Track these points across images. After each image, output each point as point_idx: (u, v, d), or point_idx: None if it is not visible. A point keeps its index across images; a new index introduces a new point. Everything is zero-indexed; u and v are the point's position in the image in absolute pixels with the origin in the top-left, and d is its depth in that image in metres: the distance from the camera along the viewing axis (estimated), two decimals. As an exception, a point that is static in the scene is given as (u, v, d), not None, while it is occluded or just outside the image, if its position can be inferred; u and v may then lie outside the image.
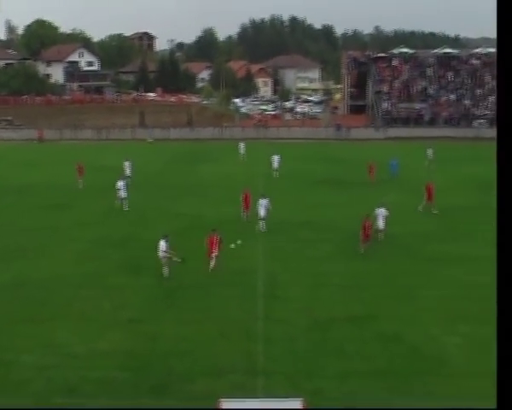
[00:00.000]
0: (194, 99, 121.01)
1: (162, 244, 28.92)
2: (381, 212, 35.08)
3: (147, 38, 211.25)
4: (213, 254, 29.04)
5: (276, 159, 57.41)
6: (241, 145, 69.82)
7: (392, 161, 56.70)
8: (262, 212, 37.06)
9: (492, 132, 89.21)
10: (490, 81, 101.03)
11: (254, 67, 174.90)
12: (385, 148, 78.29)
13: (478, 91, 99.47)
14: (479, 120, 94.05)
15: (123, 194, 43.43)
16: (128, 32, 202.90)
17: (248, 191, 40.18)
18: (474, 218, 40.90)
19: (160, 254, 28.93)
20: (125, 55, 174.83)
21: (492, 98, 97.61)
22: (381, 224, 34.59)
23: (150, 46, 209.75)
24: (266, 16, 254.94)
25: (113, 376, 19.75)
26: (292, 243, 35.01)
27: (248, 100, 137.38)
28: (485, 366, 20.37)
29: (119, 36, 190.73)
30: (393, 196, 45.19)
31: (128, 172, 51.93)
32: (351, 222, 38.23)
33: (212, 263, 28.93)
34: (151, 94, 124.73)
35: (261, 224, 37.17)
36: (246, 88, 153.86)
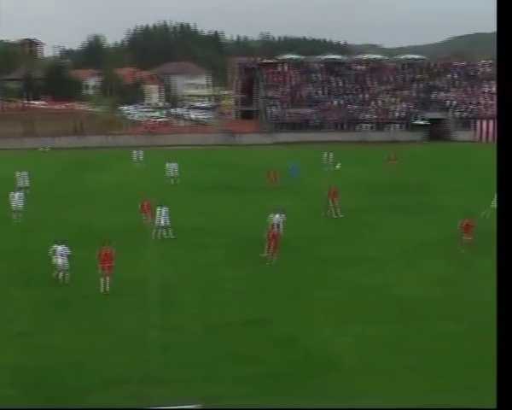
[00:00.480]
0: (83, 107, 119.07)
1: (60, 250, 28.43)
2: (278, 217, 35.42)
3: (33, 45, 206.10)
4: (106, 272, 27.81)
5: (171, 166, 57.24)
6: (136, 153, 69.26)
7: (291, 165, 57.42)
8: (161, 220, 36.95)
9: (378, 136, 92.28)
10: (375, 86, 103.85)
11: (143, 74, 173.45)
12: (275, 153, 79.30)
13: (363, 96, 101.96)
14: (364, 124, 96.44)
15: (18, 205, 42.25)
16: (13, 39, 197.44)
17: (148, 199, 39.95)
18: (365, 219, 41.96)
19: (59, 260, 28.43)
20: (10, 61, 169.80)
21: (378, 102, 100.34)
22: (269, 228, 34.81)
23: (37, 53, 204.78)
24: (155, 23, 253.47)
25: (3, 393, 19.16)
26: (186, 249, 34.95)
27: (138, 107, 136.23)
28: (377, 365, 21.04)
29: (4, 42, 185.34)
30: (288, 200, 45.75)
31: (22, 183, 50.44)
32: (244, 227, 38.74)
33: (107, 280, 27.77)
34: (38, 102, 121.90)
35: (159, 231, 37.07)
36: (135, 95, 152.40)
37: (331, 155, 64.03)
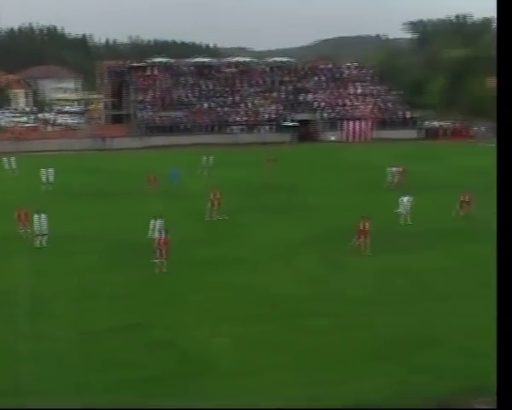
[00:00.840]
0: None
1: None
2: (157, 223, 35.18)
3: None
4: None
5: (47, 172, 55.90)
6: (7, 159, 67.05)
7: (173, 169, 57.20)
8: (39, 228, 36.14)
9: (249, 138, 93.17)
10: (245, 88, 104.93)
11: (9, 78, 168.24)
12: (148, 156, 78.84)
13: (233, 98, 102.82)
14: (234, 126, 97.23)
15: None
16: None
17: (24, 208, 38.84)
18: (242, 221, 42.42)
19: None
20: None
21: (248, 104, 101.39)
22: (156, 234, 34.59)
23: None
24: (21, 25, 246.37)
25: None
26: (59, 256, 34.28)
27: (4, 112, 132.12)
28: (252, 364, 21.45)
29: None
30: (167, 204, 45.66)
31: None
32: (120, 232, 38.50)
33: None
34: None
35: (37, 239, 36.23)
36: (1, 100, 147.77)
37: (211, 158, 64.02)
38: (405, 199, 41.46)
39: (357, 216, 35.54)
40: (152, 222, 35.32)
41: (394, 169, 54.92)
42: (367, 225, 34.56)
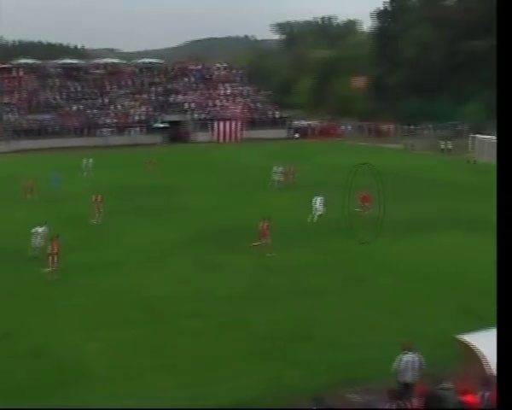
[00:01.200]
0: None
1: None
2: (42, 230, 34.16)
3: None
4: None
5: None
6: None
7: (53, 174, 55.77)
8: None
9: (119, 140, 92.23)
10: (114, 90, 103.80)
11: None
12: (15, 161, 76.54)
13: (102, 100, 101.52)
14: (105, 129, 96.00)
15: None
16: None
17: None
18: (117, 224, 42.00)
19: None
20: None
21: (118, 106, 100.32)
22: (41, 242, 33.62)
23: None
24: None
25: None
26: None
27: None
28: (128, 368, 21.33)
29: None
30: (37, 209, 44.57)
31: None
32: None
33: None
34: None
35: None
36: None
37: (90, 160, 62.86)
38: (317, 199, 41.23)
39: (234, 216, 35.90)
40: (37, 230, 34.20)
41: (280, 169, 55.46)
42: (264, 225, 34.66)
